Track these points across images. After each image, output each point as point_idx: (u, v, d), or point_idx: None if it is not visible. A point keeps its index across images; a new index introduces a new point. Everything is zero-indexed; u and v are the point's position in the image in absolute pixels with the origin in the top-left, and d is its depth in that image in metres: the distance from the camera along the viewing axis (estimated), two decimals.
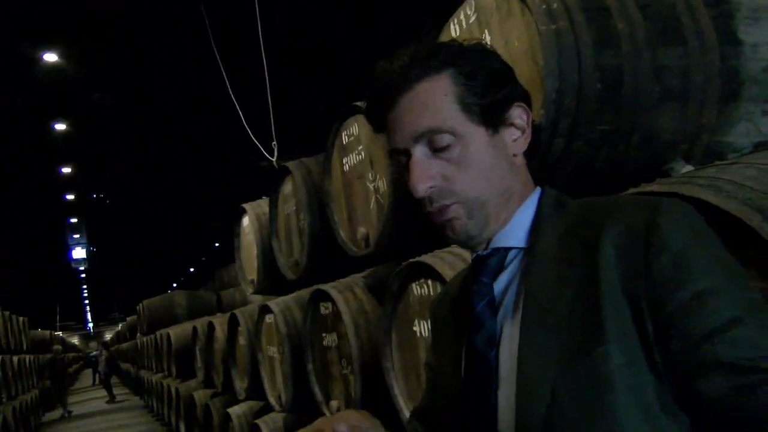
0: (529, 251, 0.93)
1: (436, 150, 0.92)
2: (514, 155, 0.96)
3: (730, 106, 1.72)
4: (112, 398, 16.63)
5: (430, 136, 0.92)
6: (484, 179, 0.93)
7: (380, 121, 0.99)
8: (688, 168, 1.71)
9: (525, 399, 0.82)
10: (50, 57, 9.40)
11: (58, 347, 16.53)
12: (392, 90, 0.95)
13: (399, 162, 0.98)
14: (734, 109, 1.72)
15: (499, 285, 0.95)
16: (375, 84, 0.97)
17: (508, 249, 0.96)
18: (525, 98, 0.97)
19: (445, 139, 0.92)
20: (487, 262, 0.96)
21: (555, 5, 1.60)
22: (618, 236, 0.81)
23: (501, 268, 0.95)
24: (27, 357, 13.53)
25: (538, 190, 0.99)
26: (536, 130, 0.98)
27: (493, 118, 0.94)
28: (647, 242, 0.78)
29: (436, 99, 0.93)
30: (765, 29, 1.73)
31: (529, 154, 0.98)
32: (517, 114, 0.96)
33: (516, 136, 0.96)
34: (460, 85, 0.93)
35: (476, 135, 0.93)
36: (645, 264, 0.78)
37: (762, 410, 0.69)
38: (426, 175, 0.92)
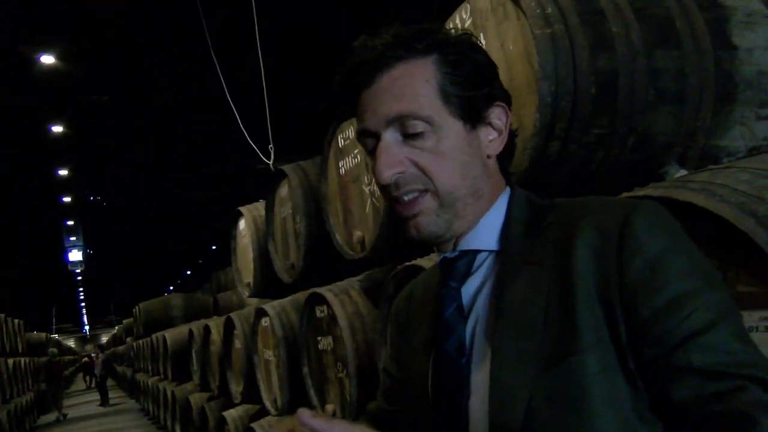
0: (499, 254, 0.90)
1: (408, 136, 0.87)
2: (488, 156, 0.91)
3: (724, 109, 1.72)
4: (104, 402, 16.54)
5: (404, 122, 0.86)
6: (459, 175, 0.88)
7: (352, 99, 0.92)
8: (683, 172, 1.71)
9: (500, 407, 0.79)
10: (47, 58, 9.40)
11: (53, 350, 16.45)
12: (371, 66, 0.88)
13: (366, 146, 0.92)
14: (729, 113, 1.73)
15: (468, 289, 0.91)
16: (353, 58, 0.90)
17: (476, 252, 0.92)
18: (506, 99, 0.93)
19: (419, 126, 0.86)
20: (456, 265, 0.92)
21: (550, 9, 1.60)
22: (591, 239, 0.79)
23: (469, 272, 0.91)
24: (22, 360, 13.48)
25: (508, 190, 0.94)
26: (512, 133, 0.95)
27: (472, 114, 0.89)
28: (620, 246, 0.77)
29: (416, 83, 0.87)
30: (759, 34, 1.74)
31: (503, 156, 0.94)
32: (496, 114, 0.92)
33: (492, 137, 0.92)
34: (443, 74, 0.88)
35: (453, 128, 0.88)
36: (618, 268, 0.76)
37: (737, 417, 0.68)
38: (394, 160, 0.86)
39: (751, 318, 1.11)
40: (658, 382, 0.74)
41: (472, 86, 0.89)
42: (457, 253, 0.92)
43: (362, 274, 2.87)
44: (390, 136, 0.88)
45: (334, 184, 2.89)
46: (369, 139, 0.91)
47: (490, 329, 0.85)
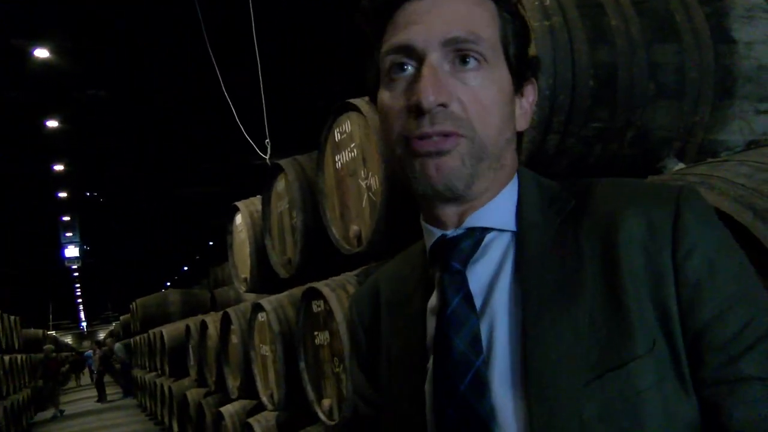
0: (517, 237, 0.77)
1: (460, 66, 0.74)
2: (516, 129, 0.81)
3: (723, 104, 1.71)
4: (102, 398, 16.52)
5: (463, 46, 0.73)
6: (497, 129, 0.75)
7: (391, 6, 0.77)
8: (681, 166, 1.70)
9: (545, 423, 0.66)
10: (42, 53, 9.35)
11: (49, 346, 16.42)
12: None
13: (396, 66, 0.76)
14: (728, 107, 1.72)
15: (478, 277, 0.77)
16: None
17: (485, 230, 0.78)
18: (536, 76, 0.84)
19: (476, 57, 0.73)
20: (460, 245, 0.77)
21: (548, 1, 1.59)
22: (638, 233, 0.70)
23: (473, 255, 0.78)
24: (19, 356, 13.46)
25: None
26: (534, 120, 0.88)
27: (519, 74, 0.79)
28: (675, 241, 0.69)
29: (482, 10, 0.76)
30: (759, 28, 1.73)
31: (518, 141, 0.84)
32: (530, 89, 0.83)
33: (521, 111, 0.82)
34: (503, 19, 0.78)
35: (505, 77, 0.77)
36: (674, 266, 0.68)
37: None
38: (442, 87, 0.72)
39: None
40: (715, 388, 0.66)
41: (524, 44, 0.80)
42: (462, 231, 0.78)
43: (359, 268, 2.86)
44: (438, 60, 0.73)
45: (330, 179, 2.88)
46: (405, 59, 0.75)
47: (517, 330, 0.72)
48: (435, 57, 0.73)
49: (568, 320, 0.70)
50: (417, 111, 0.72)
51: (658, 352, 0.66)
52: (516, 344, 0.72)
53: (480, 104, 0.73)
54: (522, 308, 0.72)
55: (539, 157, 1.66)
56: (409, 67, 0.75)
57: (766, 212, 1.11)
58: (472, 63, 0.74)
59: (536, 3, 1.59)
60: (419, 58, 0.74)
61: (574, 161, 1.71)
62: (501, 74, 0.76)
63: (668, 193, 0.73)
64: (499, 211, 0.78)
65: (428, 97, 0.71)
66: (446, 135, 0.72)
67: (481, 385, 0.71)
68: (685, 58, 1.66)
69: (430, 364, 0.78)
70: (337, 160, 2.80)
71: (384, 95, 0.78)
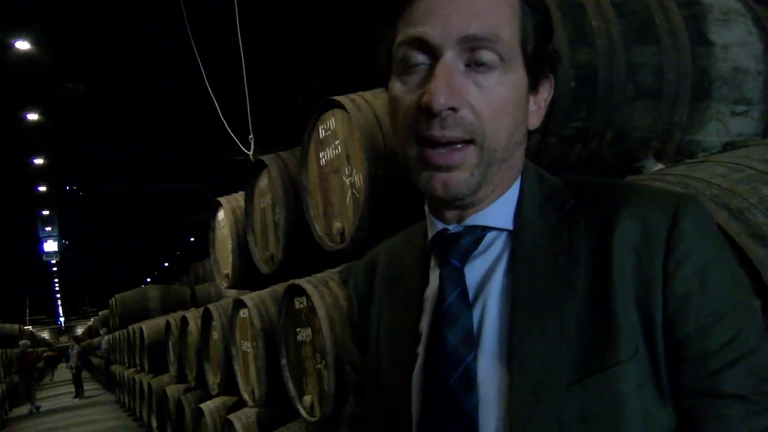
0: (513, 235, 0.77)
1: (475, 66, 0.72)
2: (528, 128, 0.79)
3: (700, 105, 1.75)
4: (79, 394, 16.34)
5: (480, 46, 0.71)
6: (507, 133, 0.74)
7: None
8: (660, 166, 1.74)
9: (523, 422, 0.67)
10: (22, 44, 9.20)
11: (25, 342, 16.19)
12: None
13: (408, 59, 0.74)
14: (705, 109, 1.75)
15: (473, 272, 0.77)
16: None
17: (486, 229, 0.79)
18: (554, 73, 0.82)
19: (494, 58, 0.71)
20: (460, 242, 0.78)
21: None
22: (632, 235, 0.70)
23: (472, 251, 0.78)
24: None
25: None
26: (547, 116, 0.83)
27: (536, 72, 0.77)
28: (668, 248, 0.68)
29: (503, 5, 0.73)
30: (735, 31, 1.77)
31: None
32: (546, 86, 0.81)
33: (534, 108, 0.80)
34: (524, 12, 0.75)
35: (521, 78, 0.75)
36: (664, 273, 0.68)
37: None
38: (456, 90, 0.70)
39: None
40: (692, 400, 0.66)
41: (545, 40, 0.77)
42: (462, 228, 0.79)
43: (342, 265, 2.87)
44: (453, 59, 0.71)
45: (314, 175, 2.88)
46: (420, 52, 0.73)
47: (505, 324, 0.73)
48: (450, 55, 0.71)
49: (556, 320, 0.69)
50: (427, 112, 0.71)
51: (640, 359, 0.66)
52: (503, 339, 0.72)
53: (492, 108, 0.72)
54: (511, 305, 0.73)
55: None
56: (422, 63, 0.73)
57: (740, 212, 1.14)
58: (488, 63, 0.72)
59: None
60: (435, 54, 0.72)
61: (555, 160, 1.73)
62: (517, 75, 0.74)
63: (668, 199, 0.72)
64: (500, 210, 0.79)
65: (439, 99, 0.69)
66: (455, 145, 0.72)
67: (470, 381, 0.71)
68: (663, 60, 1.69)
69: (420, 349, 0.79)
70: (321, 156, 2.81)
71: (395, 85, 0.76)
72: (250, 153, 5.49)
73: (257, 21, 6.71)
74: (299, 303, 2.79)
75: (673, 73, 1.70)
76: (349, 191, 2.57)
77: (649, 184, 0.81)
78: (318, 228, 2.85)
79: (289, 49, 8.75)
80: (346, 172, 2.59)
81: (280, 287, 3.35)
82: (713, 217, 0.75)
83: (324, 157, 2.78)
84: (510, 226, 0.78)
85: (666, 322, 0.67)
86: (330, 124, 2.73)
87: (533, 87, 0.78)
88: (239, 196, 4.24)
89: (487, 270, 0.77)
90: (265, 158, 3.43)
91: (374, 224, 2.42)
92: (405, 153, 0.77)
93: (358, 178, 2.48)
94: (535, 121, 0.80)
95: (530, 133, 0.81)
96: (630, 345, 0.66)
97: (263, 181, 3.57)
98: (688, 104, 1.73)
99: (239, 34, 5.63)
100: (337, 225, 2.65)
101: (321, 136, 2.80)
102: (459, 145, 0.72)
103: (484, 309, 0.75)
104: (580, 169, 1.78)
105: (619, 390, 0.65)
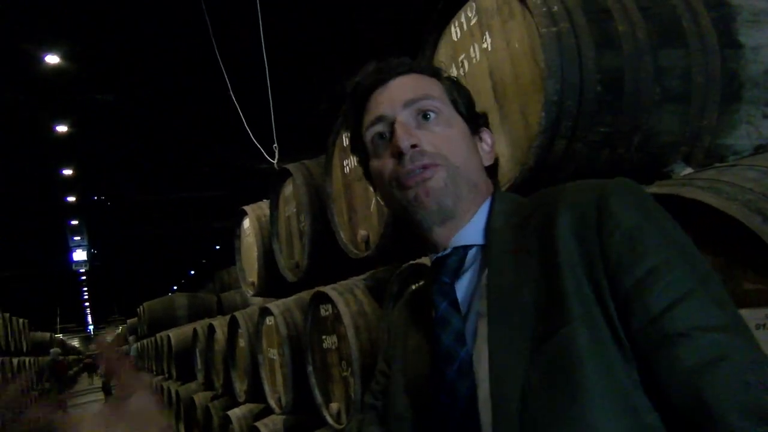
0: (485, 248, 0.93)
1: (422, 118, 0.97)
2: (483, 163, 1.02)
3: (730, 108, 1.72)
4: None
5: (420, 102, 0.97)
6: (465, 158, 0.97)
7: (363, 100, 1.03)
8: (689, 170, 1.71)
9: (499, 391, 0.79)
10: (52, 58, 9.42)
11: (56, 350, 16.48)
12: (386, 71, 1.01)
13: (375, 134, 1.00)
14: (735, 112, 1.72)
15: (463, 286, 0.94)
16: (368, 69, 1.04)
17: (467, 248, 0.96)
18: (487, 127, 1.08)
19: (433, 107, 0.97)
20: (447, 262, 0.96)
21: (556, 7, 1.60)
22: (570, 220, 0.82)
23: (460, 267, 0.95)
24: (27, 359, 13.51)
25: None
26: (496, 161, 1.06)
27: (472, 122, 1.03)
28: (599, 223, 0.79)
29: (428, 83, 1.01)
30: (765, 32, 1.73)
31: (490, 171, 1.04)
32: (487, 134, 1.06)
33: (485, 150, 1.04)
34: (448, 88, 1.03)
35: (459, 122, 1.00)
36: (600, 244, 0.78)
37: (722, 384, 0.68)
38: (412, 133, 0.95)
39: (757, 315, 1.11)
40: (646, 350, 0.74)
41: (470, 103, 1.05)
42: (448, 251, 0.97)
43: (367, 272, 2.87)
44: (405, 117, 0.97)
45: (338, 183, 2.89)
46: (381, 125, 0.99)
47: (486, 320, 0.86)
48: (402, 116, 0.97)
49: (517, 306, 0.82)
50: (398, 155, 0.95)
51: (591, 318, 0.75)
52: (485, 333, 0.85)
53: (444, 141, 0.96)
54: (487, 303, 0.87)
55: (547, 162, 1.66)
56: (386, 134, 0.99)
57: None
58: (431, 116, 0.98)
59: (544, 9, 1.60)
60: (391, 123, 0.98)
61: (582, 166, 1.71)
62: (456, 120, 1.00)
63: (597, 186, 0.85)
64: (473, 229, 0.96)
65: (403, 143, 0.93)
66: (425, 167, 0.93)
67: (464, 371, 0.86)
68: (691, 63, 1.67)
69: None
70: (345, 164, 2.82)
71: (374, 163, 1.02)
72: (275, 161, 5.53)
73: (279, 29, 6.77)
74: (325, 310, 2.80)
75: (701, 76, 1.67)
76: (374, 199, 2.57)
77: (586, 180, 0.91)
78: (343, 235, 2.86)
79: (313, 58, 8.81)
80: None
81: (305, 294, 3.36)
82: (643, 193, 0.84)
83: (348, 165, 2.79)
84: (481, 241, 0.95)
85: (611, 287, 0.76)
86: None
87: (475, 131, 1.03)
88: (264, 204, 4.27)
89: (472, 281, 0.93)
90: (290, 166, 3.46)
91: (399, 232, 2.42)
92: (394, 198, 0.98)
93: None
94: (488, 159, 1.04)
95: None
96: (579, 308, 0.76)
97: (288, 189, 3.59)
98: (717, 107, 1.70)
99: (263, 43, 5.69)
100: (362, 232, 2.66)
101: (345, 144, 2.81)
102: (429, 167, 0.93)
103: (477, 314, 0.89)
104: (606, 175, 1.75)
105: (572, 346, 0.74)
